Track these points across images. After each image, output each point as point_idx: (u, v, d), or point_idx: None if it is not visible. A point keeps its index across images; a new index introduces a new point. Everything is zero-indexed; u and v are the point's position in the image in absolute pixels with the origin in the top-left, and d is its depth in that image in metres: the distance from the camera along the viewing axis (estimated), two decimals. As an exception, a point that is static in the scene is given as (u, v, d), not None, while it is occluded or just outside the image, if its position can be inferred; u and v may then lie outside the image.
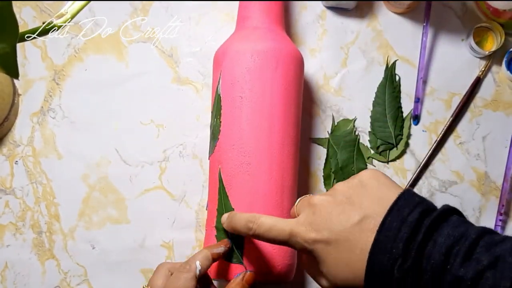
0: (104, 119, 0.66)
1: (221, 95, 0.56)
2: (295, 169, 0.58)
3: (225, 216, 0.51)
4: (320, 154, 0.65)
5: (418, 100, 0.66)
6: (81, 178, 0.66)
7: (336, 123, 0.66)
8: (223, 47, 0.58)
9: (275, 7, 0.59)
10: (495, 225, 0.64)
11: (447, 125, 0.65)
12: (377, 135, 0.65)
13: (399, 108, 0.65)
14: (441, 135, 0.65)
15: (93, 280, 0.64)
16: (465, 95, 0.66)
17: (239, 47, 0.57)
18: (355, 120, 0.66)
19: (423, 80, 0.66)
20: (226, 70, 0.56)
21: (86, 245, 0.64)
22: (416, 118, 0.66)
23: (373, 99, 0.66)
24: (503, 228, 0.64)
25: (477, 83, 0.66)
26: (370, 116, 0.66)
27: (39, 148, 0.66)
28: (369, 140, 0.65)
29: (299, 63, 0.58)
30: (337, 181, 0.64)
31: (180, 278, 0.47)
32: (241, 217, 0.47)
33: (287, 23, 0.66)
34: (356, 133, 0.66)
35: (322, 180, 0.65)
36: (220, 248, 0.51)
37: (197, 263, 0.48)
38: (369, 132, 0.65)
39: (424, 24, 0.67)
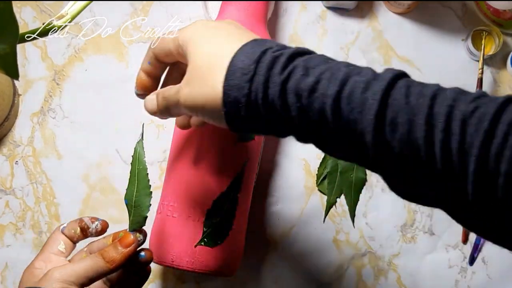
0: (104, 119, 0.66)
1: None
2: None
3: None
4: (320, 154, 0.65)
5: None
6: (81, 178, 0.66)
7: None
8: None
9: (258, 6, 0.59)
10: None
11: None
12: None
13: None
14: None
15: (93, 280, 0.64)
16: None
17: None
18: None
19: None
20: None
21: (86, 245, 0.64)
22: None
23: None
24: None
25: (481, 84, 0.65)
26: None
27: (39, 148, 0.66)
28: None
29: None
30: (329, 182, 0.64)
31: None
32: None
33: (279, 23, 0.66)
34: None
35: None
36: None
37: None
38: None
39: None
